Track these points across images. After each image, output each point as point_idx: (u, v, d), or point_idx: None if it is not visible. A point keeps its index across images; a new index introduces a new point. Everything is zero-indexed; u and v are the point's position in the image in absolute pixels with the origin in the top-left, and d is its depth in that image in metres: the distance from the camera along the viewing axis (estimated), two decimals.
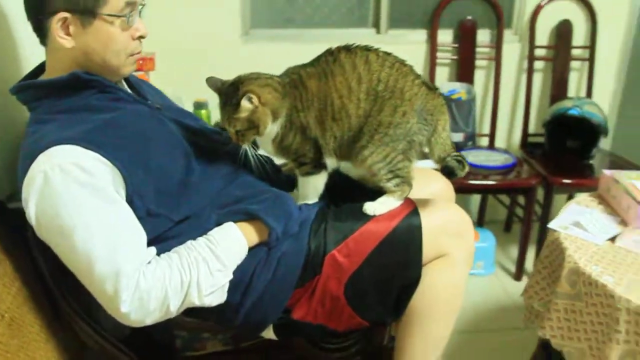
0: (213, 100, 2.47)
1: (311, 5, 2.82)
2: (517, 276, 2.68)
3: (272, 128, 1.29)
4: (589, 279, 1.43)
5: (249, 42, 2.76)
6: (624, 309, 1.32)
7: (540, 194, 2.59)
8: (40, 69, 1.26)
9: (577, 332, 1.48)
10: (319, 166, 1.37)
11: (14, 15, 1.48)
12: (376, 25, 2.86)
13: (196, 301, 1.16)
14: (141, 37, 1.23)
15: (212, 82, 1.33)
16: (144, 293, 1.09)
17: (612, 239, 1.59)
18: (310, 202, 1.41)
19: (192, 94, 2.35)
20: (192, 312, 1.24)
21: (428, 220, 1.30)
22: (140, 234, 1.14)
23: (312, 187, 1.40)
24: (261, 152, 1.42)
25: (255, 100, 1.24)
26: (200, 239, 1.21)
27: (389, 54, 1.34)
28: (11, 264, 1.19)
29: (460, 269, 1.34)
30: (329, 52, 1.33)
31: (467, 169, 1.37)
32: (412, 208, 1.33)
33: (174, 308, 1.14)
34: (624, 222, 1.67)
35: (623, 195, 1.70)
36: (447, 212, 1.37)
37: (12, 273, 1.18)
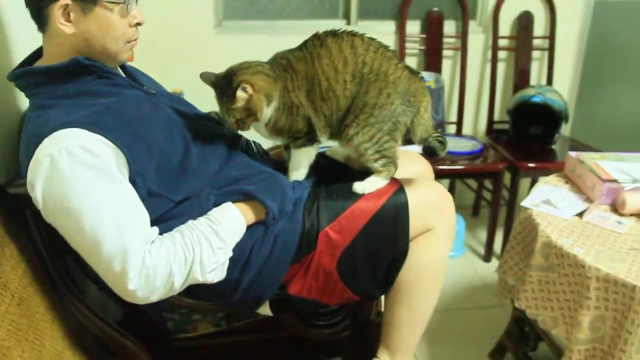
0: (188, 91, 2.52)
1: None
2: (487, 257, 2.77)
3: (266, 112, 1.33)
4: (560, 251, 1.52)
5: (222, 34, 2.78)
6: (593, 277, 1.41)
7: (506, 178, 2.68)
8: (36, 55, 1.27)
9: (550, 301, 1.57)
10: (312, 139, 1.41)
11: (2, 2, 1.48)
12: (346, 16, 2.93)
13: (199, 277, 1.19)
14: (138, 24, 1.25)
15: (206, 77, 1.35)
16: (150, 270, 1.12)
17: (580, 215, 1.69)
18: (301, 173, 1.44)
19: (166, 86, 2.35)
20: (192, 292, 1.28)
21: (413, 197, 1.37)
22: (144, 213, 1.16)
23: (306, 157, 1.43)
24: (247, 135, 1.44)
25: (249, 89, 1.28)
26: (201, 219, 1.24)
27: (373, 39, 1.39)
28: (16, 246, 1.20)
29: (444, 242, 1.41)
30: (316, 37, 1.37)
31: (447, 148, 1.45)
32: (398, 186, 1.39)
33: (178, 285, 1.17)
34: (589, 199, 1.77)
35: (588, 174, 1.80)
36: (430, 190, 1.44)
37: (18, 255, 1.19)
